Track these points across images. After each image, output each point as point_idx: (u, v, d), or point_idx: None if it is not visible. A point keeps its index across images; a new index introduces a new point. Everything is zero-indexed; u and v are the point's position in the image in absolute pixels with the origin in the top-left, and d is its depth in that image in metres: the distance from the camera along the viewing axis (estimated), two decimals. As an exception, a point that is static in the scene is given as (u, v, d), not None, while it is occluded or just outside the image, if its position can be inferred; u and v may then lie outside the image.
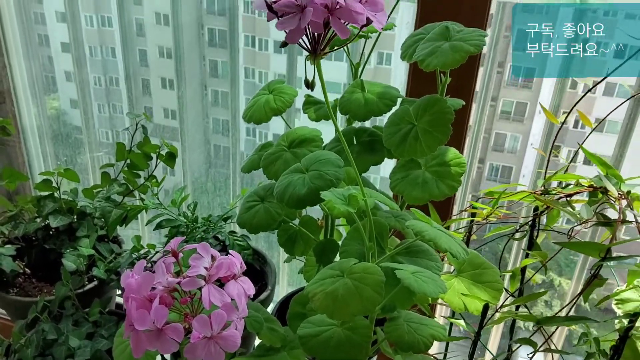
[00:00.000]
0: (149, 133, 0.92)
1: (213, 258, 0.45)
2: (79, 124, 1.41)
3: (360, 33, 0.75)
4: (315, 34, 0.41)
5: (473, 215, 0.83)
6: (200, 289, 0.42)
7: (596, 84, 0.69)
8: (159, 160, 0.91)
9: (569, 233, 0.70)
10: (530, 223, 0.79)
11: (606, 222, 0.60)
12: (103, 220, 0.89)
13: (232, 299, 0.43)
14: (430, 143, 0.61)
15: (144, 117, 0.96)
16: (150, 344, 0.41)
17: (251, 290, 0.46)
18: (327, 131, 0.97)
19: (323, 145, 0.73)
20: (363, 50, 0.75)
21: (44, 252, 0.88)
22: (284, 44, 0.42)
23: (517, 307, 0.79)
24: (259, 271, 0.90)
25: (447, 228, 0.78)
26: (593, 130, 0.70)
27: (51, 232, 0.89)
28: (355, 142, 0.74)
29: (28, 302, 0.80)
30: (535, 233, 0.78)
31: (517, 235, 0.81)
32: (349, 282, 0.52)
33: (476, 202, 0.79)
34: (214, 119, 1.44)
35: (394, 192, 0.68)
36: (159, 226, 0.79)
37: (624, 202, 0.61)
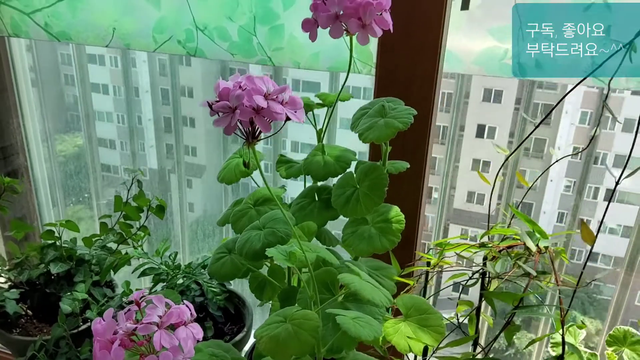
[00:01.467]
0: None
1: (168, 306, 0.55)
2: (106, 162, 1.52)
3: (320, 103, 0.86)
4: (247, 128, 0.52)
5: (429, 262, 0.91)
6: (153, 333, 0.52)
7: (552, 108, 0.74)
8: (149, 212, 1.01)
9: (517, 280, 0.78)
10: (480, 271, 0.87)
11: (524, 274, 0.68)
12: (98, 267, 0.99)
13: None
14: (369, 205, 0.71)
15: (139, 172, 1.08)
16: (111, 379, 0.51)
17: (199, 334, 0.55)
18: (297, 187, 1.08)
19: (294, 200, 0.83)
20: (326, 118, 0.85)
21: (45, 295, 0.98)
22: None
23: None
24: (236, 313, 0.99)
25: (411, 275, 0.87)
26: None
27: (52, 277, 0.99)
28: (317, 199, 0.83)
29: (28, 341, 0.90)
30: (486, 280, 0.87)
31: (470, 282, 0.89)
32: (290, 327, 0.61)
33: (426, 253, 0.87)
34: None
35: (344, 246, 0.77)
36: (143, 274, 0.88)
37: (544, 257, 0.70)
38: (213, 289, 0.87)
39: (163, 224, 1.41)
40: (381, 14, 0.63)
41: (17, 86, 1.27)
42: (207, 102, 0.51)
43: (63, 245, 1.01)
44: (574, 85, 0.71)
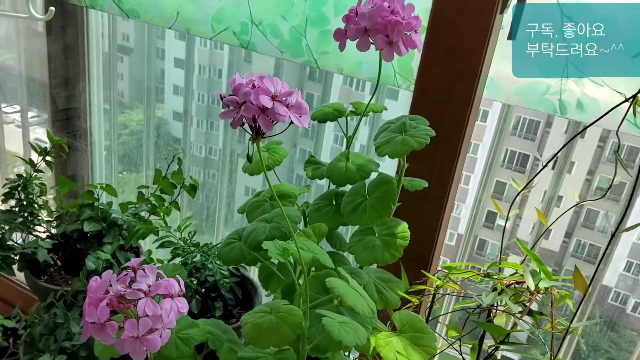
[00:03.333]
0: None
1: (160, 277, 0.59)
2: (178, 135, 1.59)
3: (352, 111, 0.88)
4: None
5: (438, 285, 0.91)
6: (139, 299, 0.56)
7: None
8: (182, 189, 1.07)
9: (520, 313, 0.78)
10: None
11: (521, 312, 0.68)
12: (127, 232, 1.06)
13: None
14: (373, 216, 0.72)
15: (181, 150, 1.14)
16: (95, 334, 0.55)
17: (184, 308, 0.59)
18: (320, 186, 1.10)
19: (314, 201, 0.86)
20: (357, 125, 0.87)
21: (76, 250, 1.05)
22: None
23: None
24: (247, 299, 1.03)
25: (420, 292, 0.88)
26: None
27: (85, 235, 1.07)
28: (333, 203, 0.86)
29: (52, 289, 0.98)
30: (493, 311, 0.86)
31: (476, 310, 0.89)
32: (273, 319, 0.64)
33: (433, 275, 0.88)
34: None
35: (349, 252, 0.79)
36: (161, 245, 0.94)
37: (539, 298, 0.69)
38: (222, 271, 0.92)
39: (224, 204, 1.47)
40: (410, 34, 0.65)
41: (89, 53, 1.36)
42: (220, 94, 0.55)
43: (100, 206, 1.08)
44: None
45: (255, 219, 0.80)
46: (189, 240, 0.93)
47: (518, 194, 0.74)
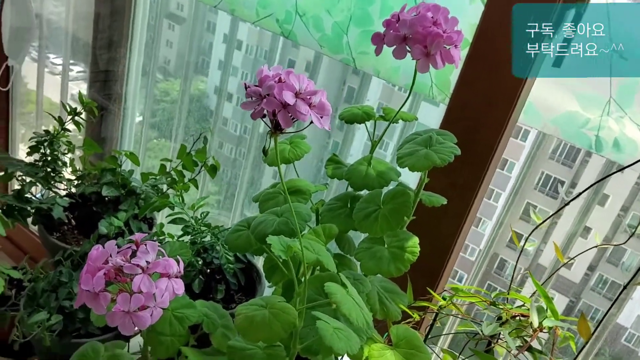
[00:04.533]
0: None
1: (161, 255, 0.59)
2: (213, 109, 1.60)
3: (382, 115, 0.86)
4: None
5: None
6: (136, 275, 0.56)
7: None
8: (202, 168, 1.07)
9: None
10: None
11: (520, 346, 0.66)
12: (144, 202, 1.07)
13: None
14: (384, 227, 0.71)
15: (208, 130, 1.14)
16: (88, 302, 0.55)
17: (179, 290, 0.59)
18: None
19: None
20: (380, 131, 0.86)
21: (91, 212, 1.07)
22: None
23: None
24: (251, 286, 1.02)
25: (423, 309, 0.86)
26: None
27: (102, 199, 1.08)
28: (348, 205, 0.84)
29: (62, 247, 0.99)
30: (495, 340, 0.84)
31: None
32: (266, 314, 0.64)
33: (440, 297, 0.86)
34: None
35: (356, 259, 0.78)
36: (173, 221, 0.94)
37: (543, 335, 0.67)
38: (228, 256, 0.92)
39: (248, 186, 1.47)
40: (449, 48, 0.63)
41: (134, 19, 1.37)
42: (245, 83, 0.54)
43: (121, 173, 1.09)
44: None
45: (267, 210, 0.79)
46: (200, 220, 0.93)
47: (535, 228, 0.71)
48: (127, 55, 1.40)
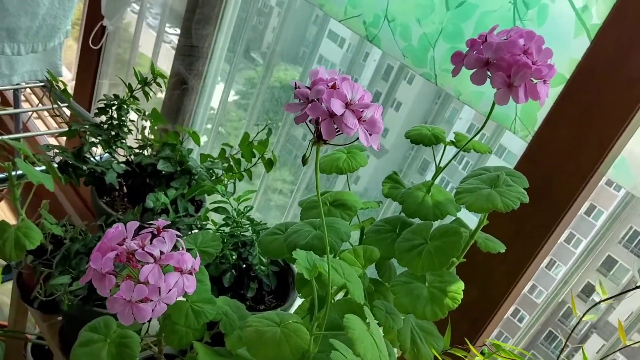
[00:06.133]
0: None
1: (178, 247, 0.55)
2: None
3: (452, 141, 0.79)
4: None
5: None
6: (146, 263, 0.53)
7: None
8: (258, 160, 1.04)
9: None
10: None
11: None
12: (196, 183, 1.05)
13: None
14: (427, 265, 0.64)
15: (274, 123, 1.10)
16: (94, 281, 0.53)
17: (190, 288, 0.55)
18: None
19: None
20: (445, 158, 0.79)
21: (144, 184, 1.06)
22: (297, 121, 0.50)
23: None
24: (284, 291, 0.98)
25: (457, 358, 0.79)
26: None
27: (157, 172, 1.07)
28: (397, 231, 0.78)
29: (107, 213, 0.99)
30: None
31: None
32: (278, 333, 0.59)
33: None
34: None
35: (390, 291, 0.71)
36: (214, 210, 0.91)
37: None
38: (262, 257, 0.87)
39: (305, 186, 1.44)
40: (536, 82, 0.55)
41: (226, 2, 1.37)
42: (295, 82, 0.49)
43: (180, 149, 1.07)
44: None
45: (307, 219, 0.74)
46: (243, 214, 0.89)
47: (595, 305, 0.62)
48: (214, 34, 1.40)
